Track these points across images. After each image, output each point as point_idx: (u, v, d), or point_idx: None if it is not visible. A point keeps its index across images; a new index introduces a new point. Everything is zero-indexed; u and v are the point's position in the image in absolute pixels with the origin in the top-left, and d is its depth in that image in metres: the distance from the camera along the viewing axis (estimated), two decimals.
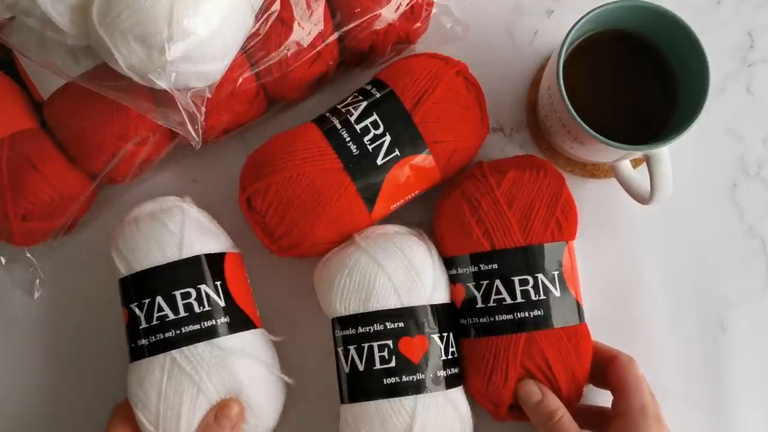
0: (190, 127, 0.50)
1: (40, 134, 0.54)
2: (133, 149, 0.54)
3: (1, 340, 0.59)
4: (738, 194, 0.59)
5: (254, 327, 0.53)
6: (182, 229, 0.52)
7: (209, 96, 0.50)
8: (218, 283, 0.52)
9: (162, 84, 0.47)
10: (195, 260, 0.51)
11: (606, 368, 0.53)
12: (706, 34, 0.49)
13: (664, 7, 0.50)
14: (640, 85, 0.54)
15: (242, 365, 0.51)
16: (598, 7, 0.50)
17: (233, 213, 0.56)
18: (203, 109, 0.50)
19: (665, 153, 0.50)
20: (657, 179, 0.51)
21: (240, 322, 0.52)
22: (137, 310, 0.51)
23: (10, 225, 0.53)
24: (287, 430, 0.54)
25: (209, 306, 0.51)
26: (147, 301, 0.51)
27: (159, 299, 0.50)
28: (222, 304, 0.51)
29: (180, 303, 0.50)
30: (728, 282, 0.58)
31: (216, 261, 0.52)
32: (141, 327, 0.51)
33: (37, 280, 0.59)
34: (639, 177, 0.54)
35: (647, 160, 0.51)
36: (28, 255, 0.58)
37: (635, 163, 0.58)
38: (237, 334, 0.51)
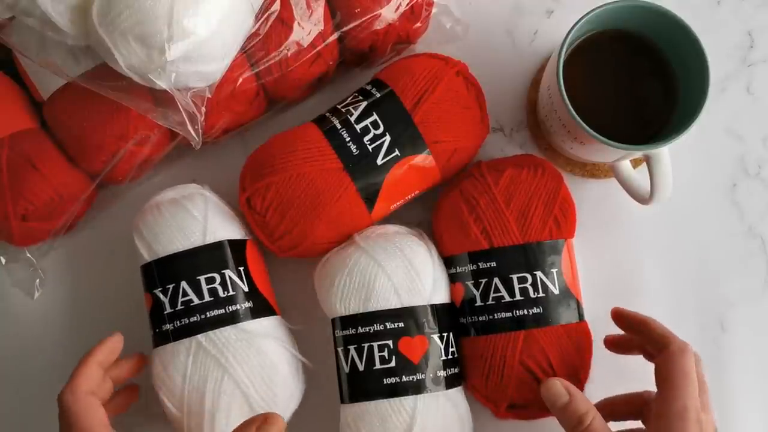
0: (190, 127, 0.50)
1: (40, 134, 0.54)
2: (133, 149, 0.54)
3: (1, 340, 0.59)
4: (738, 194, 0.59)
5: (275, 314, 0.54)
6: (206, 215, 0.52)
7: (209, 96, 0.50)
8: (241, 268, 0.52)
9: (162, 84, 0.47)
10: (219, 245, 0.52)
11: (655, 355, 0.49)
12: (706, 34, 0.50)
13: (664, 7, 0.50)
14: (640, 85, 0.54)
15: (270, 346, 0.51)
16: (598, 7, 0.50)
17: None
18: (203, 109, 0.50)
19: (665, 153, 0.50)
20: (657, 179, 0.51)
21: (262, 307, 0.53)
22: (161, 296, 0.51)
23: (10, 225, 0.53)
24: (287, 430, 0.54)
25: (233, 291, 0.51)
26: (171, 286, 0.51)
27: (183, 284, 0.51)
28: (245, 289, 0.52)
29: (204, 288, 0.51)
30: (728, 282, 0.58)
31: (238, 247, 0.53)
32: (166, 312, 0.51)
33: (37, 280, 0.59)
34: (639, 177, 0.54)
35: (647, 160, 0.51)
36: (28, 255, 0.58)
37: (635, 163, 0.58)
38: (259, 319, 0.52)
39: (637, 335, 0.52)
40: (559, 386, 0.48)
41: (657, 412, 0.46)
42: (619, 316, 0.53)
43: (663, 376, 0.47)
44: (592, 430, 0.46)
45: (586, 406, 0.47)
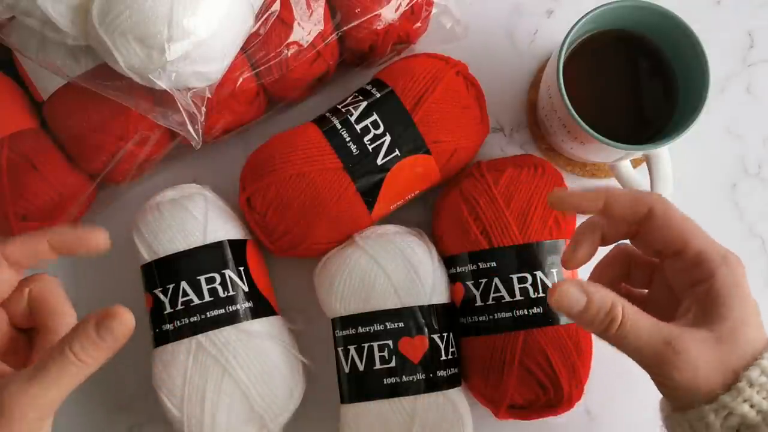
0: (190, 127, 0.50)
1: (40, 134, 0.54)
2: (133, 149, 0.54)
3: None
4: (738, 194, 0.59)
5: (275, 314, 0.54)
6: (206, 215, 0.52)
7: (209, 96, 0.50)
8: (241, 268, 0.52)
9: (162, 84, 0.47)
10: (219, 245, 0.52)
11: (635, 233, 0.41)
12: (706, 34, 0.50)
13: (664, 7, 0.50)
14: (640, 85, 0.54)
15: (270, 346, 0.51)
16: (599, 7, 0.50)
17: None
18: (203, 109, 0.50)
19: (665, 153, 0.50)
20: (657, 179, 0.51)
21: (262, 307, 0.53)
22: (161, 296, 0.51)
23: (10, 225, 0.53)
24: (287, 430, 0.54)
25: (233, 291, 0.52)
26: (171, 286, 0.51)
27: (184, 284, 0.51)
28: (246, 289, 0.52)
29: (204, 287, 0.51)
30: None
31: (239, 247, 0.53)
32: (166, 312, 0.51)
33: None
34: (639, 177, 0.54)
35: (647, 160, 0.51)
36: None
37: (635, 163, 0.58)
38: (260, 319, 0.52)
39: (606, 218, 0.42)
40: (572, 292, 0.37)
41: (693, 280, 0.39)
42: (562, 201, 0.42)
43: (666, 236, 0.39)
44: (626, 328, 0.37)
45: (610, 298, 0.37)
